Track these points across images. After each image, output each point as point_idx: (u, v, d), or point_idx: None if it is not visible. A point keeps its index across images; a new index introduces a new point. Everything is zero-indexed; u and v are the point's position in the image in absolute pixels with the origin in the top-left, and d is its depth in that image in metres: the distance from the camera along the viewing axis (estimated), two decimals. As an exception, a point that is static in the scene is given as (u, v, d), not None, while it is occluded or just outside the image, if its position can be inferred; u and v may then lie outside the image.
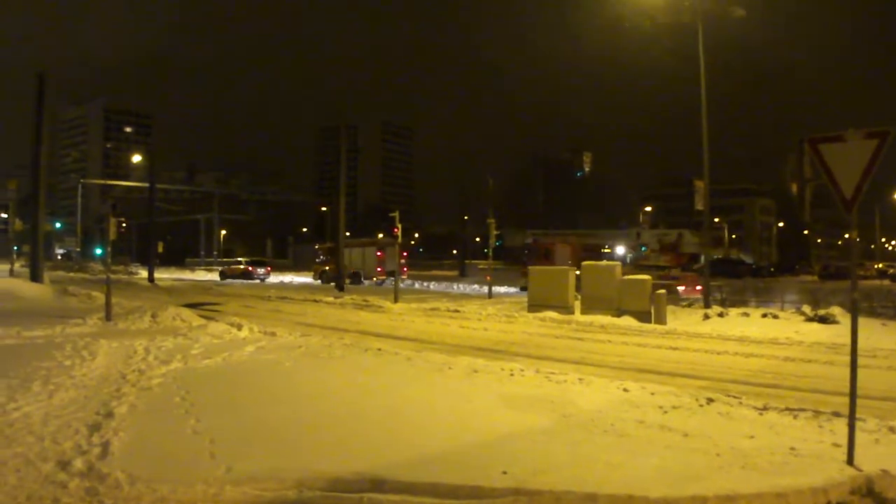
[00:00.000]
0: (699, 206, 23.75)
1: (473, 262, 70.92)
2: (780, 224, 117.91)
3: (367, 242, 50.21)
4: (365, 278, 46.10)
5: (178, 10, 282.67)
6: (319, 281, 47.64)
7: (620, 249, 45.99)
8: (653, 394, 8.94)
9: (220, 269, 60.21)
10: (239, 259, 59.71)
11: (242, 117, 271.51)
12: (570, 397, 8.68)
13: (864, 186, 6.12)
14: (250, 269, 54.87)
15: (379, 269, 45.33)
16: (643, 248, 70.45)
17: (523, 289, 32.76)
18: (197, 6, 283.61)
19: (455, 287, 40.59)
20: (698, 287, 20.99)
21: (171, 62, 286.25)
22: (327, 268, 47.61)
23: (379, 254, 45.52)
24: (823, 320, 18.35)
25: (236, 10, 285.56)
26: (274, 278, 55.48)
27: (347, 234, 39.65)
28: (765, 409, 8.18)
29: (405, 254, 46.76)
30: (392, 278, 45.99)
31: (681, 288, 27.44)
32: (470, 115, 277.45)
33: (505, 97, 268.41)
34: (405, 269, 47.43)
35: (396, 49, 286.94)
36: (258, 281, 51.95)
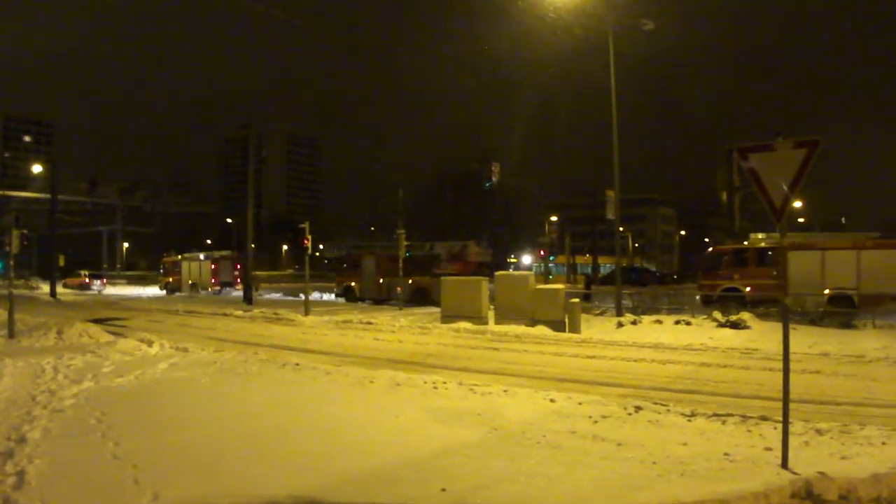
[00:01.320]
0: (610, 216, 24.15)
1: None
2: (682, 232, 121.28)
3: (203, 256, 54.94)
4: (202, 289, 50.13)
5: (80, 17, 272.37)
6: (164, 292, 52.17)
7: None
8: (580, 403, 8.90)
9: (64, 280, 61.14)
10: (80, 272, 62.98)
11: (146, 128, 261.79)
12: (497, 409, 8.57)
13: (793, 195, 6.20)
14: (88, 280, 60.27)
15: (213, 280, 49.76)
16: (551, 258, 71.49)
17: (339, 295, 37.89)
18: (99, 14, 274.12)
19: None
20: None
21: (72, 70, 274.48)
22: (171, 279, 52.99)
23: (213, 266, 50.09)
24: (735, 326, 18.80)
25: (139, 19, 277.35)
26: (119, 290, 58.54)
27: (252, 245, 39.24)
28: (693, 415, 8.24)
29: (238, 266, 50.45)
30: (228, 288, 50.08)
31: None
32: (380, 128, 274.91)
33: (417, 109, 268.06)
34: (238, 279, 50.79)
35: (303, 60, 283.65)
36: (96, 291, 56.99)
